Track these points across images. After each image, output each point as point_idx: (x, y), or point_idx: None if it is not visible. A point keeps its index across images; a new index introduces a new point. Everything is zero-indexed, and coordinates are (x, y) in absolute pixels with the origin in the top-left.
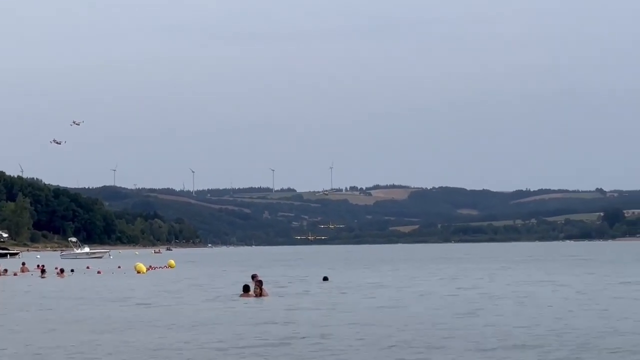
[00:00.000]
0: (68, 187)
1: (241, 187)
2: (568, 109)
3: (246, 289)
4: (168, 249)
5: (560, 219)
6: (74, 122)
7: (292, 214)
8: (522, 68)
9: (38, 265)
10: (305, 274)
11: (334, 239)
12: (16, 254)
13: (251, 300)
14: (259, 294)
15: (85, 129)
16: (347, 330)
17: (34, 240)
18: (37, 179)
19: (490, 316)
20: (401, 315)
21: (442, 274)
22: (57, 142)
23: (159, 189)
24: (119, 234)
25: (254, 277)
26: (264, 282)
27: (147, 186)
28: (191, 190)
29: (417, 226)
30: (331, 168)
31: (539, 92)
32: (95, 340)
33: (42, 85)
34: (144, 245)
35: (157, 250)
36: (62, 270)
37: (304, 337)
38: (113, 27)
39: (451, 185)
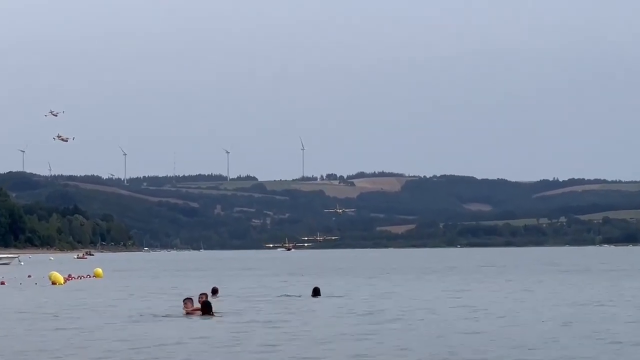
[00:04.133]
0: None
1: (186, 174)
2: (607, 80)
3: (190, 302)
4: (88, 254)
5: (596, 217)
6: (50, 112)
7: (253, 209)
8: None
9: None
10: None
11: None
12: None
13: (195, 318)
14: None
15: None
16: None
17: None
18: None
19: None
20: None
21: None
22: (63, 139)
23: (80, 176)
24: (29, 234)
25: (214, 291)
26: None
27: (65, 172)
28: (122, 177)
29: (413, 226)
30: (302, 150)
31: (576, 59)
32: None
33: None
34: (62, 249)
35: (81, 254)
36: None
37: None
38: None
39: (457, 174)
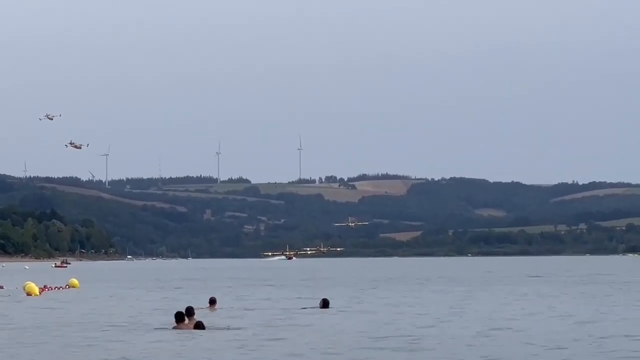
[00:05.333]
0: None
1: (173, 176)
2: (631, 76)
3: (180, 317)
4: (65, 263)
5: (619, 223)
6: (46, 116)
7: (245, 215)
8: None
9: None
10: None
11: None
12: None
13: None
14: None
15: None
16: None
17: None
18: None
19: None
20: None
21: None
22: (75, 146)
23: (58, 178)
24: (1, 241)
25: (212, 301)
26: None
27: (42, 174)
28: (103, 180)
29: (419, 232)
30: (299, 150)
31: (596, 52)
32: None
33: None
34: (37, 257)
35: (58, 262)
36: None
37: None
38: None
39: (467, 176)
